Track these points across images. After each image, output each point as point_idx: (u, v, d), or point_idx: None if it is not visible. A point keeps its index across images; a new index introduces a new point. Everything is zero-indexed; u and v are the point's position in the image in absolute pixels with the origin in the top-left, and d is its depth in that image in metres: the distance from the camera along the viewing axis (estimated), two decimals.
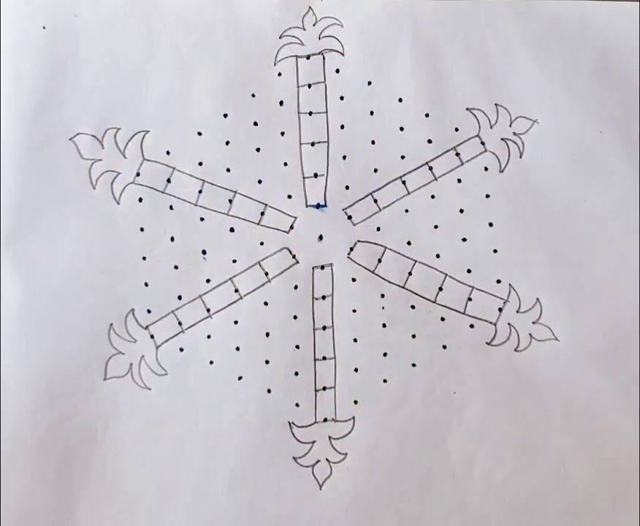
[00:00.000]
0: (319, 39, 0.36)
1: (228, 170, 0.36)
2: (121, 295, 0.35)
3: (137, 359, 0.35)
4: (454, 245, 0.36)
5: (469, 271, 0.36)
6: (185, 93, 0.36)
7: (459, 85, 0.36)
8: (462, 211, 0.36)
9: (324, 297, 0.36)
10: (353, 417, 0.36)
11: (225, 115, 0.36)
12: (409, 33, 0.36)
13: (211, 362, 0.35)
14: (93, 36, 0.35)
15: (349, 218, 0.36)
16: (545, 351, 0.35)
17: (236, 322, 0.35)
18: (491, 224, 0.36)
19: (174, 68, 0.36)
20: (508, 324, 0.36)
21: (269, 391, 0.35)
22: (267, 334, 0.35)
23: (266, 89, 0.36)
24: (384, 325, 0.36)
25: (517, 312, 0.36)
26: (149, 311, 0.35)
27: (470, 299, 0.36)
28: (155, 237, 0.36)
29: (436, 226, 0.36)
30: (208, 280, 0.36)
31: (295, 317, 0.36)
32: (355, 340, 0.36)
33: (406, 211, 0.36)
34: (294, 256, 0.36)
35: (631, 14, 0.36)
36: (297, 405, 0.35)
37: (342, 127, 0.36)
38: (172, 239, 0.36)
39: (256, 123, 0.36)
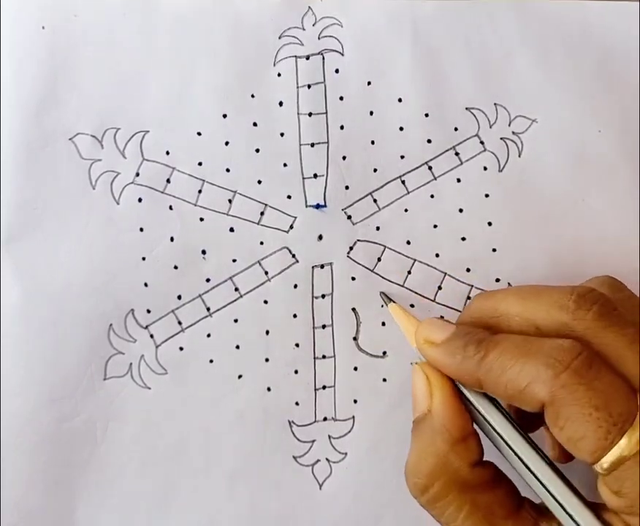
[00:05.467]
0: (319, 39, 0.36)
1: (227, 170, 0.36)
2: (121, 295, 0.35)
3: (137, 359, 0.35)
4: (453, 244, 0.36)
5: (468, 270, 0.36)
6: (184, 93, 0.36)
7: (458, 84, 0.36)
8: (461, 210, 0.36)
9: (323, 296, 0.36)
10: (353, 416, 0.36)
11: (224, 116, 0.36)
12: (409, 33, 0.36)
13: (211, 361, 0.35)
14: (93, 36, 0.35)
15: (349, 217, 0.36)
16: None
17: (236, 321, 0.35)
18: (490, 223, 0.36)
19: (174, 68, 0.36)
20: None
21: (269, 389, 0.35)
22: (267, 333, 0.35)
23: (265, 90, 0.36)
24: (383, 323, 0.36)
25: None
26: (149, 311, 0.35)
27: (469, 298, 0.36)
28: (155, 237, 0.36)
29: (435, 226, 0.36)
30: (208, 280, 0.36)
31: (295, 315, 0.36)
32: (354, 339, 0.36)
33: (405, 210, 0.36)
34: (293, 256, 0.36)
35: (632, 14, 0.36)
36: (297, 403, 0.35)
37: (341, 128, 0.36)
38: (172, 239, 0.36)
39: (255, 124, 0.36)
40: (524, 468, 0.27)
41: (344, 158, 0.36)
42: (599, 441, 0.24)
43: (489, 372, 0.27)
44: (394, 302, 0.34)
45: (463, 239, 0.36)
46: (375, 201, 0.36)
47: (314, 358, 0.36)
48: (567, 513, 0.26)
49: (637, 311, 0.28)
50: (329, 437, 0.36)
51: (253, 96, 0.36)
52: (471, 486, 0.27)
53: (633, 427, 0.24)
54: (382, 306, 0.36)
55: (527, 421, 0.30)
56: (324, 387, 0.36)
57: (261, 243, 0.36)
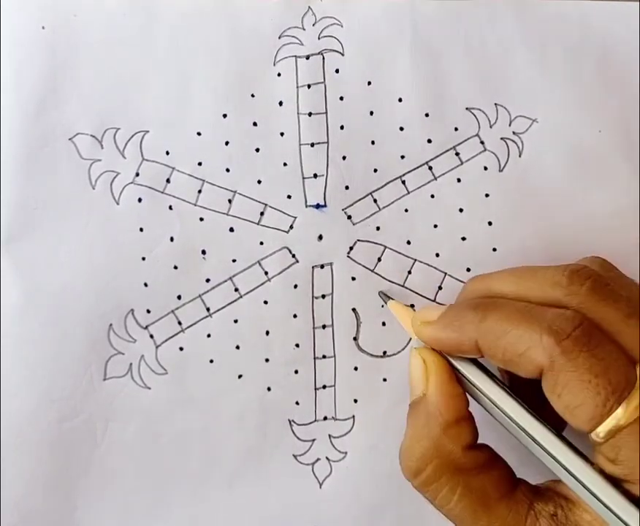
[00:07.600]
0: (319, 39, 0.36)
1: (227, 170, 0.36)
2: (121, 295, 0.35)
3: (137, 359, 0.35)
4: (454, 244, 0.36)
5: (468, 270, 0.36)
6: (184, 93, 0.36)
7: (459, 84, 0.36)
8: (461, 210, 0.36)
9: (323, 296, 0.36)
10: (353, 416, 0.36)
11: (224, 116, 0.36)
12: (409, 33, 0.36)
13: (211, 361, 0.35)
14: (93, 36, 0.35)
15: (349, 218, 0.36)
16: None
17: (236, 321, 0.35)
18: (490, 223, 0.36)
19: (174, 68, 0.36)
20: None
21: (269, 389, 0.35)
22: (267, 333, 0.35)
23: (265, 89, 0.36)
24: (384, 323, 0.36)
25: None
26: (148, 311, 0.35)
27: None
28: (155, 237, 0.36)
29: (435, 226, 0.36)
30: (208, 280, 0.36)
31: (295, 316, 0.36)
32: (355, 339, 0.36)
33: (406, 211, 0.36)
34: (293, 256, 0.36)
35: (632, 14, 0.36)
36: (297, 403, 0.35)
37: (342, 128, 0.36)
38: (172, 239, 0.36)
39: (255, 124, 0.36)
40: (528, 438, 0.27)
41: (344, 158, 0.36)
42: (597, 408, 0.24)
43: (487, 334, 0.27)
44: (392, 299, 0.34)
45: (463, 239, 0.36)
46: (375, 201, 0.36)
47: (314, 358, 0.36)
48: (573, 476, 0.26)
49: (627, 288, 0.28)
50: (330, 436, 0.36)
51: (253, 95, 0.36)
52: (464, 469, 0.28)
53: (631, 395, 0.24)
54: (382, 306, 0.36)
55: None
56: (324, 387, 0.36)
57: (261, 243, 0.36)
